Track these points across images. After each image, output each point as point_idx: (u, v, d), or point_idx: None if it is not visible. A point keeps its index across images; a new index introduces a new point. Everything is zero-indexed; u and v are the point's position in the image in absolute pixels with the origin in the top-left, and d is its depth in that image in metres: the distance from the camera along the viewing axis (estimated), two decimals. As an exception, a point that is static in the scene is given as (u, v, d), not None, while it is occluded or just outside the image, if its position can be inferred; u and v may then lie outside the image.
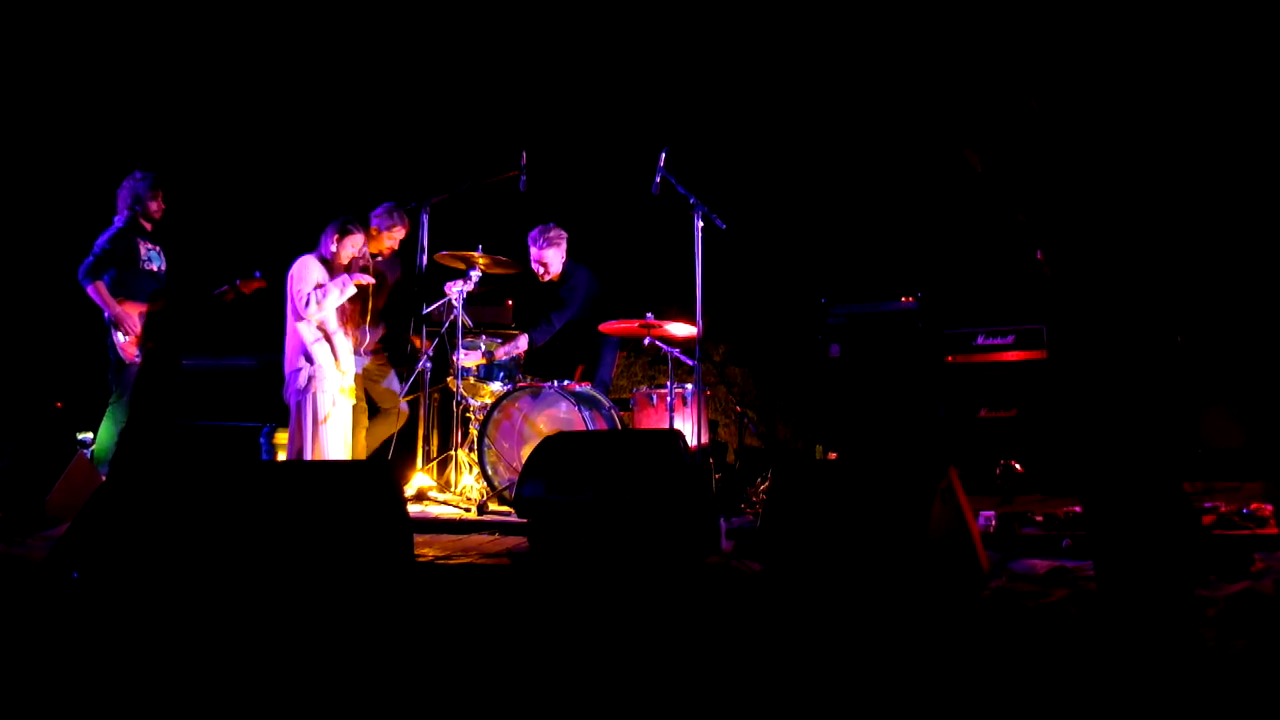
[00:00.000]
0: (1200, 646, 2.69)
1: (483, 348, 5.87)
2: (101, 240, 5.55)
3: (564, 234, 6.02)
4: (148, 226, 5.70)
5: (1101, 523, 2.87)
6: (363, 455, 5.69)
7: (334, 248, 5.53)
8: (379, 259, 5.84)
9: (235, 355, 6.62)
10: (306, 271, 5.46)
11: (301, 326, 5.40)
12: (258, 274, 5.75)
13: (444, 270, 5.89)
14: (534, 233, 6.01)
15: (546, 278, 6.04)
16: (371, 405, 5.90)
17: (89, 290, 5.48)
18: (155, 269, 5.72)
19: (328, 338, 5.47)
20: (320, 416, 5.36)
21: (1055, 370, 3.97)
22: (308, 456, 5.34)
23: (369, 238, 5.72)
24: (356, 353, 5.71)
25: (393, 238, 5.87)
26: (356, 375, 5.67)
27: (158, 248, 5.79)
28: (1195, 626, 2.82)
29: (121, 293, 5.55)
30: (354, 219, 5.60)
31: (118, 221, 5.63)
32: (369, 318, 5.79)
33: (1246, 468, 5.33)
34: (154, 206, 5.70)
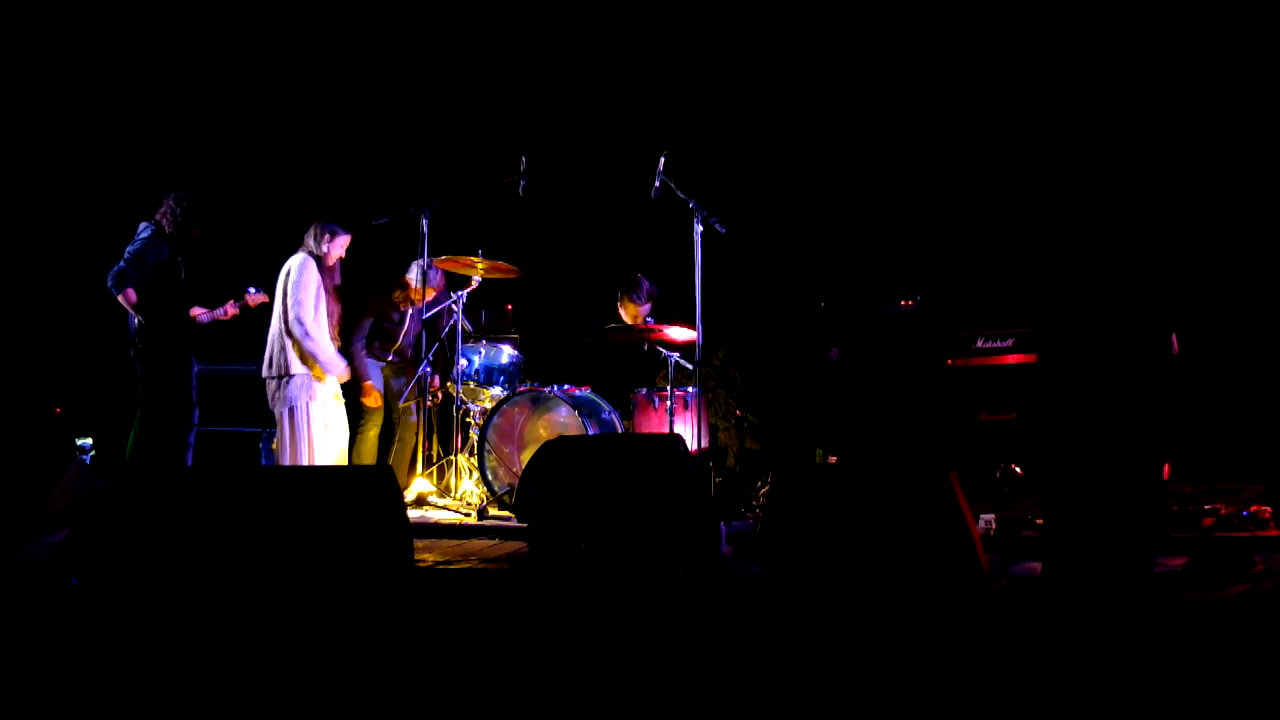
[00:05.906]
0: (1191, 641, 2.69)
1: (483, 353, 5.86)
2: (134, 247, 5.44)
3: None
4: (175, 236, 5.59)
5: (1058, 516, 2.89)
6: (352, 459, 5.67)
7: (325, 248, 5.50)
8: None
9: (240, 361, 6.60)
10: (308, 275, 5.39)
11: (311, 329, 5.32)
12: (251, 290, 5.70)
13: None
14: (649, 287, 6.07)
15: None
16: (386, 415, 5.93)
17: (119, 296, 5.36)
18: (182, 277, 5.65)
19: None
20: (316, 421, 5.32)
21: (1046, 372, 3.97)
22: (302, 462, 5.28)
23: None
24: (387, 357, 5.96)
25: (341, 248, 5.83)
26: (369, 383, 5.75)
27: (180, 257, 5.70)
28: (1165, 624, 2.83)
29: (156, 300, 5.45)
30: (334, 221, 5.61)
31: (148, 229, 5.52)
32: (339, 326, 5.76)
33: (1247, 469, 5.34)
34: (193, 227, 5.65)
